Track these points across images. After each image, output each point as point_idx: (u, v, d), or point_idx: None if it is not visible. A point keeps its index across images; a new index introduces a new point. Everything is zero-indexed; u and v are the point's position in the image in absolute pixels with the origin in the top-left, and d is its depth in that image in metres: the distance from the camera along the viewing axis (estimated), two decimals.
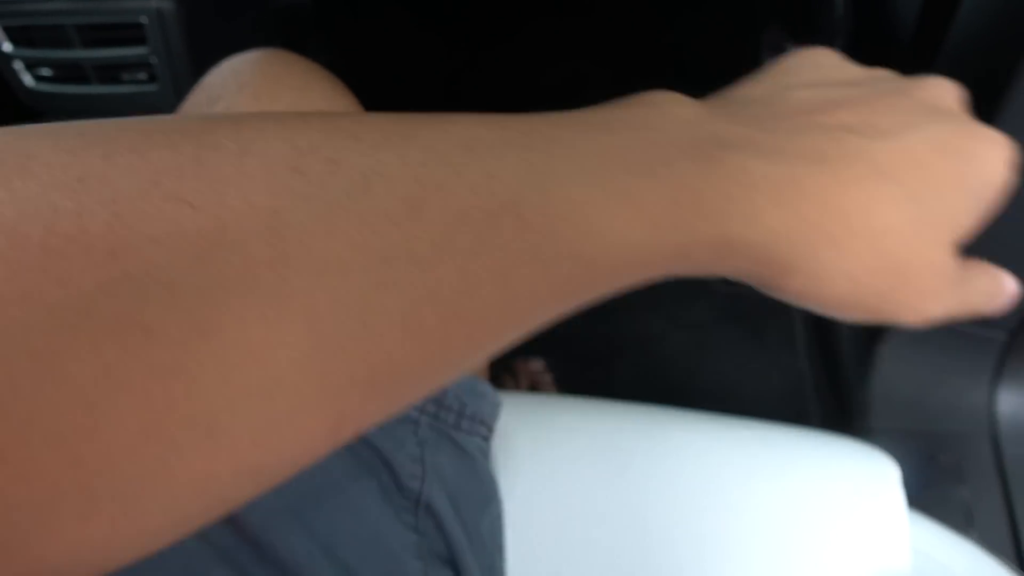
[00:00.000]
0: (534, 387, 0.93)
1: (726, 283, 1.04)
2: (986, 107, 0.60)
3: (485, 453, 0.44)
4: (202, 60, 0.58)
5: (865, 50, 1.04)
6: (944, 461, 0.84)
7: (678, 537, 0.44)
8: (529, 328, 0.20)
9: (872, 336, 0.87)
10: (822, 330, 0.96)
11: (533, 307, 0.19)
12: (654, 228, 0.19)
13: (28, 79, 0.83)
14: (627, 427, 0.50)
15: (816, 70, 0.26)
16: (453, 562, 0.39)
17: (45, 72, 0.82)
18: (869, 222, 0.22)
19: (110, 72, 0.81)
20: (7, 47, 0.80)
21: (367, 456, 0.38)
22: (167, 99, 0.83)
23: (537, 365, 0.94)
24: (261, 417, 0.14)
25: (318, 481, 0.36)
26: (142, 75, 0.81)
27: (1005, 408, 0.82)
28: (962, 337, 0.82)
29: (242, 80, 0.43)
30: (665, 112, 0.22)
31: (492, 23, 0.94)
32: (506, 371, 0.96)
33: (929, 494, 0.79)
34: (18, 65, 0.82)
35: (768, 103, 0.24)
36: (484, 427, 0.43)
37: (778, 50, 0.84)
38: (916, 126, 0.23)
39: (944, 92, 0.26)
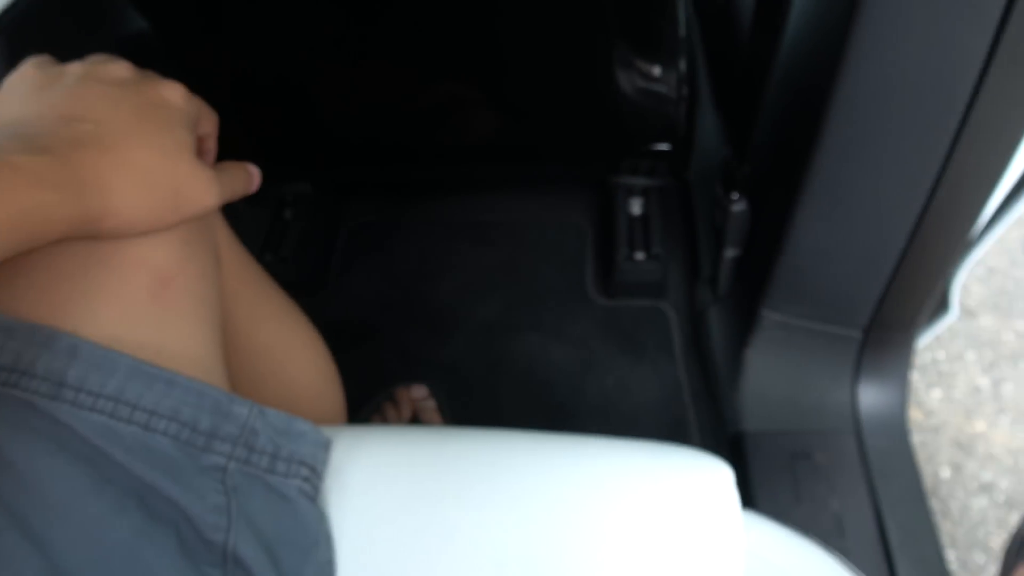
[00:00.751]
0: (417, 415, 0.91)
1: (605, 296, 1.05)
2: (818, 97, 0.63)
3: (309, 495, 0.42)
4: None
5: (712, 62, 1.08)
6: (819, 459, 0.87)
7: (515, 559, 0.43)
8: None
9: (741, 341, 0.89)
10: (697, 338, 0.99)
11: None
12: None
13: None
14: (470, 454, 0.49)
15: (31, 83, 0.38)
16: None
17: None
18: (130, 169, 0.35)
19: None
20: None
21: (162, 511, 0.35)
22: None
23: (420, 392, 0.93)
24: None
25: (101, 544, 0.33)
26: None
27: (865, 403, 0.86)
28: (822, 337, 0.85)
29: None
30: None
31: (345, 49, 0.92)
32: (388, 400, 0.94)
33: (802, 507, 0.82)
34: None
35: (26, 121, 0.35)
36: (305, 468, 0.41)
37: (628, 66, 0.86)
38: (118, 99, 0.37)
39: (119, 68, 0.39)
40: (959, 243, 0.73)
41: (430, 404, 0.92)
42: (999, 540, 1.08)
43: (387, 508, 0.45)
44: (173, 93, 0.40)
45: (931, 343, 1.31)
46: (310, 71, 0.94)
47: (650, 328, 1.01)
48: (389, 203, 1.15)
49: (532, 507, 0.45)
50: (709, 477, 0.49)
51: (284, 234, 1.03)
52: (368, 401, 0.95)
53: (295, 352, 0.58)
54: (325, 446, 0.45)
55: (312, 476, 0.42)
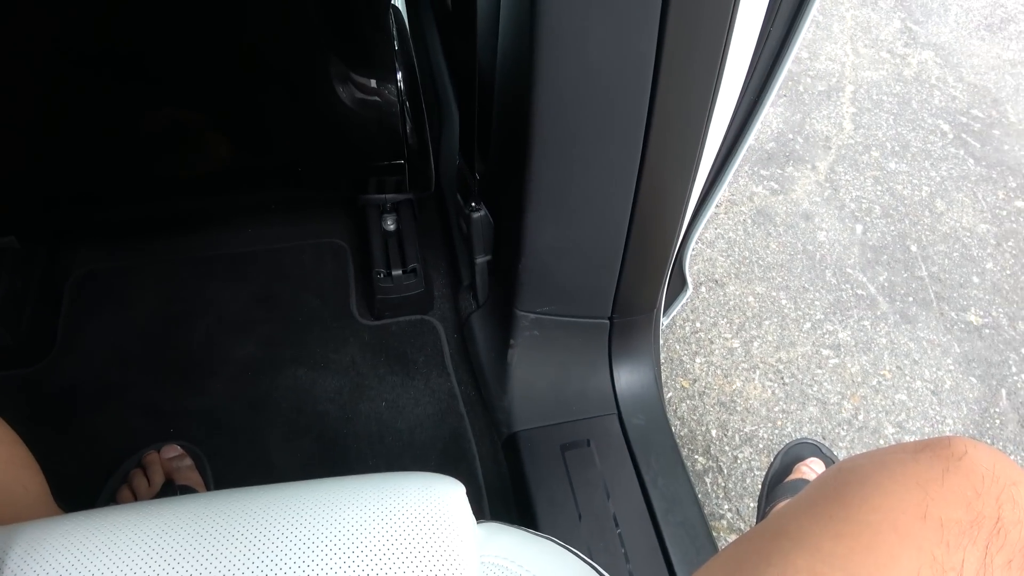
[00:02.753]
0: (172, 479, 0.83)
1: (371, 316, 1.02)
2: (524, 106, 0.64)
3: None
4: None
5: (453, 77, 1.09)
6: (588, 444, 0.90)
7: None
8: None
9: (503, 344, 0.91)
10: (465, 346, 0.99)
11: None
12: None
13: None
14: (176, 526, 0.44)
15: None
16: None
17: None
18: None
19: None
20: None
21: None
22: None
23: (171, 452, 0.84)
24: None
25: None
26: None
27: (621, 384, 0.91)
28: (574, 329, 0.88)
29: None
30: None
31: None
32: (136, 467, 0.84)
33: (577, 494, 0.84)
34: None
35: None
36: None
37: (346, 82, 0.84)
38: None
39: None
40: (674, 228, 0.78)
41: (185, 463, 0.84)
42: None
43: None
44: None
45: (689, 315, 1.43)
46: None
47: (420, 343, 1.00)
48: (121, 245, 1.04)
49: (276, 557, 0.41)
50: (442, 498, 0.48)
51: None
52: (113, 473, 0.85)
53: None
54: None
55: None
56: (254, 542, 0.43)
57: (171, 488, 0.81)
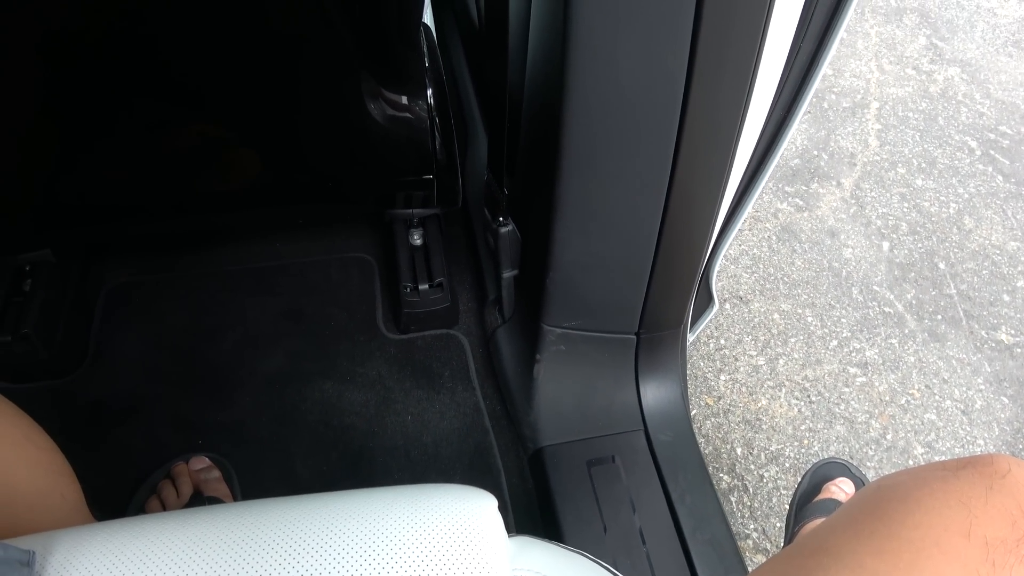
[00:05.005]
0: (200, 491, 0.83)
1: (397, 330, 1.02)
2: (554, 120, 0.64)
3: None
4: None
5: (478, 91, 1.11)
6: (614, 460, 0.90)
7: None
8: None
9: (530, 359, 0.91)
10: (491, 361, 0.99)
11: None
12: None
13: None
14: (212, 535, 0.44)
15: None
16: None
17: None
18: None
19: None
20: None
21: None
22: None
23: (199, 464, 0.85)
24: None
25: None
26: None
27: (648, 400, 0.90)
28: (601, 343, 0.88)
29: None
30: None
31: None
32: (165, 478, 0.85)
33: (603, 509, 0.83)
34: None
35: None
36: None
37: (375, 97, 0.85)
38: None
39: None
40: (702, 243, 0.78)
41: (213, 475, 0.84)
42: None
43: None
44: None
45: (713, 332, 1.42)
46: (32, 118, 0.84)
47: (446, 357, 1.00)
48: (152, 260, 1.06)
49: (309, 567, 0.42)
50: (475, 511, 0.48)
51: (24, 310, 0.91)
52: (142, 484, 0.85)
53: (3, 451, 0.50)
54: (25, 562, 0.39)
55: None
56: (290, 551, 0.43)
57: (199, 499, 0.82)
